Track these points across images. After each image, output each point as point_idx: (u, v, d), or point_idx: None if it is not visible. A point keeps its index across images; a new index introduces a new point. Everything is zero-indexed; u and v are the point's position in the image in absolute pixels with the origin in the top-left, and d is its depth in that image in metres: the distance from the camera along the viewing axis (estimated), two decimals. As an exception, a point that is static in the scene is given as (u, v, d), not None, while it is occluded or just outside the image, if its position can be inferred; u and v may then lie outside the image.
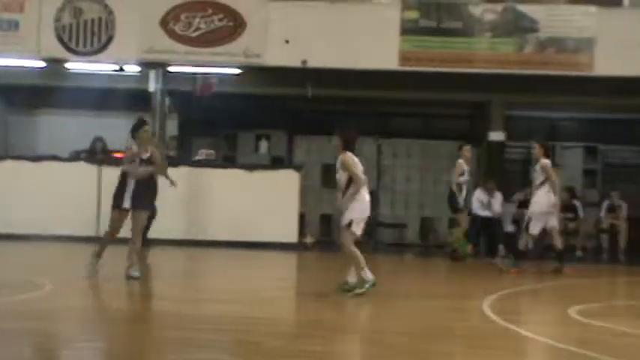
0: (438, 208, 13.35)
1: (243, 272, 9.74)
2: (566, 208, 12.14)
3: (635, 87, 11.96)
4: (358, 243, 7.33)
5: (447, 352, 5.10)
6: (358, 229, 7.12)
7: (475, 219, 11.91)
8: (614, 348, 5.48)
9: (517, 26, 12.13)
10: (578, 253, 12.43)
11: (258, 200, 11.84)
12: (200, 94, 13.02)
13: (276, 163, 14.29)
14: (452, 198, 11.13)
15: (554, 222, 9.73)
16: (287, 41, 11.81)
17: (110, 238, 7.86)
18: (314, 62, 11.94)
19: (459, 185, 11.07)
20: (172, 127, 13.69)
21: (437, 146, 14.20)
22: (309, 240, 12.57)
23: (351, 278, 7.13)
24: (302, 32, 12.01)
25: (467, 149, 11.36)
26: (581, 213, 12.69)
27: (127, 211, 7.75)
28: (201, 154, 12.69)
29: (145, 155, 7.85)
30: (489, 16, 12.19)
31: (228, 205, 11.81)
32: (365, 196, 7.12)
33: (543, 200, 9.57)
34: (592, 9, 12.18)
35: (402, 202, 14.42)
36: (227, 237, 11.76)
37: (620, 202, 12.64)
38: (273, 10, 12.06)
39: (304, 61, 11.87)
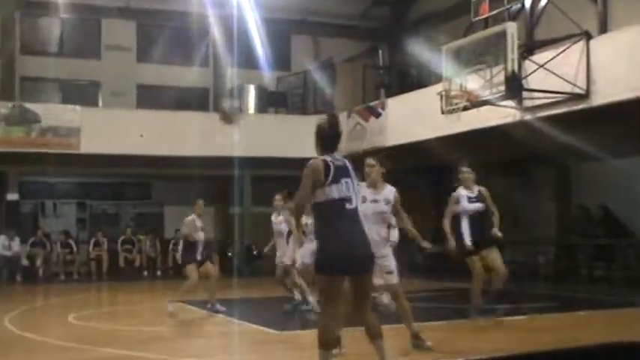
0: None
1: None
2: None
3: (109, 160, 20.14)
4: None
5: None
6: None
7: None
8: (103, 340, 9.37)
9: (24, 118, 19.56)
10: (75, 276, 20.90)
11: None
12: None
13: None
14: None
15: None
16: None
17: None
18: None
19: None
20: None
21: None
22: None
23: None
24: None
25: None
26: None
27: None
28: None
29: None
30: (3, 111, 19.40)
31: None
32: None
33: None
34: (77, 108, 20.33)
35: None
36: None
37: (103, 239, 21.60)
38: None
39: None
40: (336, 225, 5.92)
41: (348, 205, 5.91)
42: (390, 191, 8.14)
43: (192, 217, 12.23)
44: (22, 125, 19.70)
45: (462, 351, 8.15)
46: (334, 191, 5.88)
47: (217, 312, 12.01)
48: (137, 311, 13.40)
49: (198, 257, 12.16)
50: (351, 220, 5.94)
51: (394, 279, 8.11)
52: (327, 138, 6.12)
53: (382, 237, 8.06)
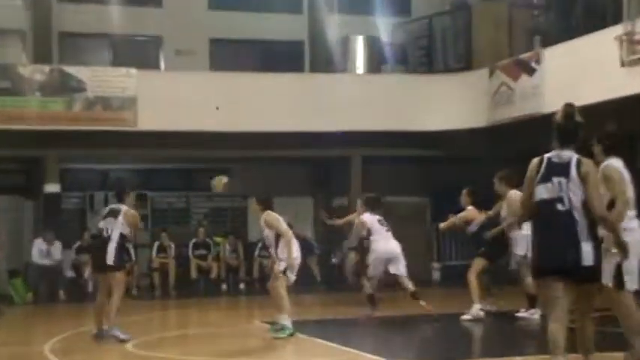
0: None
1: None
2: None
3: (175, 140, 19.67)
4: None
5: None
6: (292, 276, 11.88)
7: (37, 267, 18.65)
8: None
9: (65, 86, 19.19)
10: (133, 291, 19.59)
11: None
12: None
13: None
14: None
15: None
16: None
17: None
18: None
19: None
20: None
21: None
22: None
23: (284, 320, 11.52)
24: None
25: None
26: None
27: None
28: None
29: None
30: (38, 77, 19.13)
31: None
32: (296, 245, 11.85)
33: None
34: (133, 71, 19.87)
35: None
36: None
37: (169, 242, 20.47)
38: None
39: None
40: (542, 228, 7.04)
41: (559, 207, 6.86)
42: None
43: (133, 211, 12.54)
44: (62, 95, 19.61)
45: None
46: (542, 191, 6.96)
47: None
48: (213, 336, 13.44)
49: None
50: (558, 223, 6.89)
51: None
52: (561, 131, 7.09)
53: None
